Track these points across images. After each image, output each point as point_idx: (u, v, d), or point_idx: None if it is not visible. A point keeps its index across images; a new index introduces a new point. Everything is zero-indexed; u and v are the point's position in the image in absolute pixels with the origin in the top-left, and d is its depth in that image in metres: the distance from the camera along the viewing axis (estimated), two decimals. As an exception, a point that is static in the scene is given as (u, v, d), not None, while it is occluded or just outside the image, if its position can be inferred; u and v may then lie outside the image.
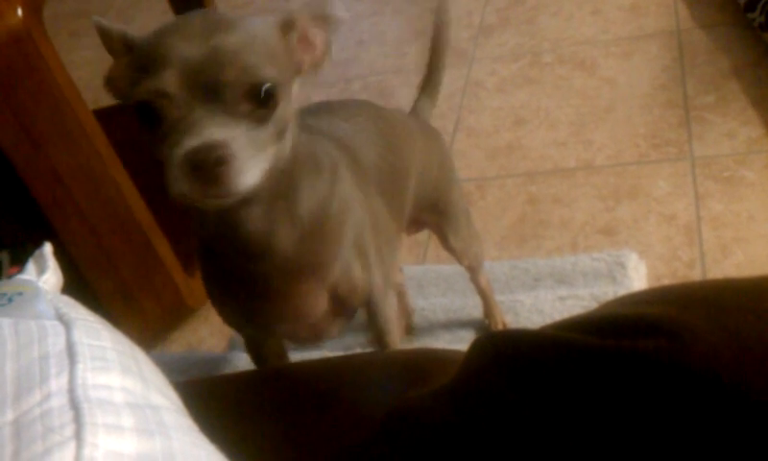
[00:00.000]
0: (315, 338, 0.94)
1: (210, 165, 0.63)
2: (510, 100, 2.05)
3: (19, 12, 1.23)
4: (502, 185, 1.80)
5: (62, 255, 0.68)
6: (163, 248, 1.57)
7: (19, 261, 0.66)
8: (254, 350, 1.04)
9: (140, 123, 0.68)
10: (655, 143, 1.76)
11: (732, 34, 1.97)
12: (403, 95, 2.08)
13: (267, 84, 0.66)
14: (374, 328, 0.99)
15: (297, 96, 0.75)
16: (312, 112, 0.99)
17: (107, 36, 0.75)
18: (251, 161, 0.65)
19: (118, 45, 0.74)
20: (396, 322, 1.02)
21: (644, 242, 1.53)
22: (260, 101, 0.66)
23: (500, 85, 2.12)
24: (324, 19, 0.75)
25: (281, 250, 0.79)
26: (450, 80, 2.20)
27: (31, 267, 0.63)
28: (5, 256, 1.42)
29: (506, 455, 0.48)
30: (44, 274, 0.62)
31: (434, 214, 1.20)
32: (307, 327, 0.90)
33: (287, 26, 0.73)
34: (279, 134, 0.70)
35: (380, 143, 1.04)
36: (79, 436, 0.37)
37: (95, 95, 2.55)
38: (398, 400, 0.63)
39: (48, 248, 0.66)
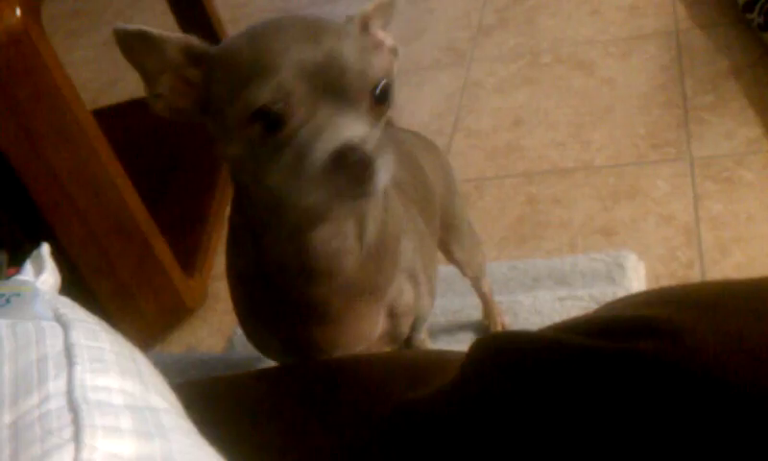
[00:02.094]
0: None
1: (360, 165, 0.60)
2: (509, 100, 2.05)
3: (18, 12, 1.23)
4: (501, 186, 1.80)
5: (61, 256, 0.68)
6: (162, 248, 1.56)
7: (18, 262, 0.66)
8: None
9: (251, 134, 0.64)
10: (653, 143, 1.76)
11: (730, 34, 1.97)
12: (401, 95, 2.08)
13: (384, 81, 0.66)
14: (409, 344, 0.97)
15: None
16: None
17: (148, 43, 0.68)
18: (385, 159, 0.63)
19: (176, 55, 0.69)
20: (429, 346, 1.01)
21: (643, 242, 1.53)
22: (383, 99, 0.66)
23: (499, 86, 2.12)
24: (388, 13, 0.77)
25: (346, 271, 0.77)
26: (449, 80, 2.20)
27: (29, 268, 0.63)
28: (3, 257, 1.42)
29: (506, 455, 0.48)
30: (42, 274, 0.62)
31: (440, 229, 1.17)
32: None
33: (364, 26, 0.74)
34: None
35: (408, 161, 1.03)
36: (77, 438, 0.37)
37: (94, 95, 2.56)
38: (400, 400, 0.63)
39: (46, 248, 0.66)
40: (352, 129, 0.61)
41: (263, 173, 0.65)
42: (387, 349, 0.93)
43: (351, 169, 0.60)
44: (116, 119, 2.04)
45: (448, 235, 1.21)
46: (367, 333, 0.85)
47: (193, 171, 1.98)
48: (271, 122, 0.62)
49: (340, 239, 0.75)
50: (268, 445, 0.69)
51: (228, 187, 1.89)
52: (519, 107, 2.02)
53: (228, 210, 0.85)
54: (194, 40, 0.69)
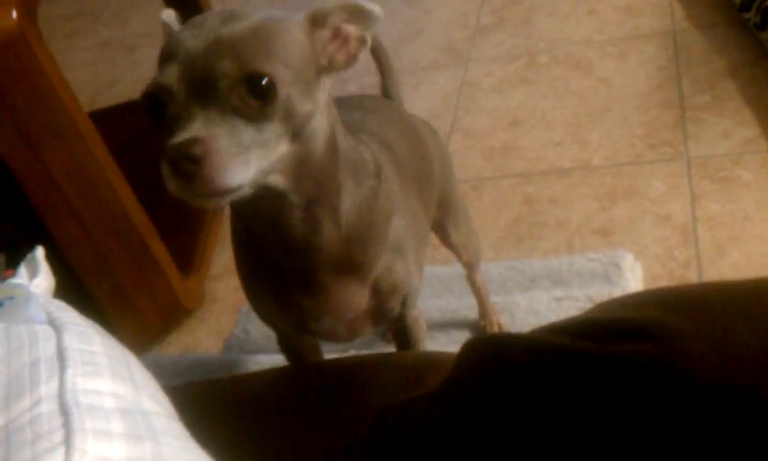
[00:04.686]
0: (351, 335, 0.93)
1: (186, 163, 0.61)
2: (506, 100, 2.05)
3: (14, 14, 1.23)
4: (498, 186, 1.80)
5: (58, 258, 0.68)
6: (159, 249, 1.56)
7: (15, 264, 0.66)
8: (288, 347, 1.04)
9: (151, 119, 0.67)
10: (651, 143, 1.76)
11: (727, 33, 1.97)
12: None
13: (265, 78, 0.64)
14: (403, 327, 0.99)
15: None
16: (339, 107, 0.98)
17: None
18: (235, 159, 0.62)
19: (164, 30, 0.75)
20: (423, 323, 1.02)
21: (640, 242, 1.53)
22: (260, 95, 0.64)
23: (496, 86, 2.12)
24: (360, 15, 0.73)
25: (325, 248, 0.79)
26: (446, 80, 2.20)
27: (23, 271, 0.63)
28: (1, 259, 1.42)
29: (493, 455, 0.48)
30: (36, 278, 0.62)
31: (437, 210, 1.18)
32: (345, 325, 0.90)
33: (317, 21, 0.72)
34: (295, 133, 0.68)
35: (408, 137, 1.04)
36: (68, 442, 0.37)
37: (90, 97, 2.56)
38: (390, 402, 0.63)
39: (40, 251, 0.66)
40: (199, 128, 0.62)
41: None
42: (373, 324, 0.93)
43: (179, 168, 0.61)
44: (113, 121, 2.04)
45: (445, 215, 1.22)
46: (353, 305, 0.86)
47: (190, 172, 1.97)
48: (159, 112, 0.65)
49: (311, 221, 0.76)
50: (263, 446, 0.69)
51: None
52: (517, 107, 2.02)
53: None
54: (170, 22, 0.74)
